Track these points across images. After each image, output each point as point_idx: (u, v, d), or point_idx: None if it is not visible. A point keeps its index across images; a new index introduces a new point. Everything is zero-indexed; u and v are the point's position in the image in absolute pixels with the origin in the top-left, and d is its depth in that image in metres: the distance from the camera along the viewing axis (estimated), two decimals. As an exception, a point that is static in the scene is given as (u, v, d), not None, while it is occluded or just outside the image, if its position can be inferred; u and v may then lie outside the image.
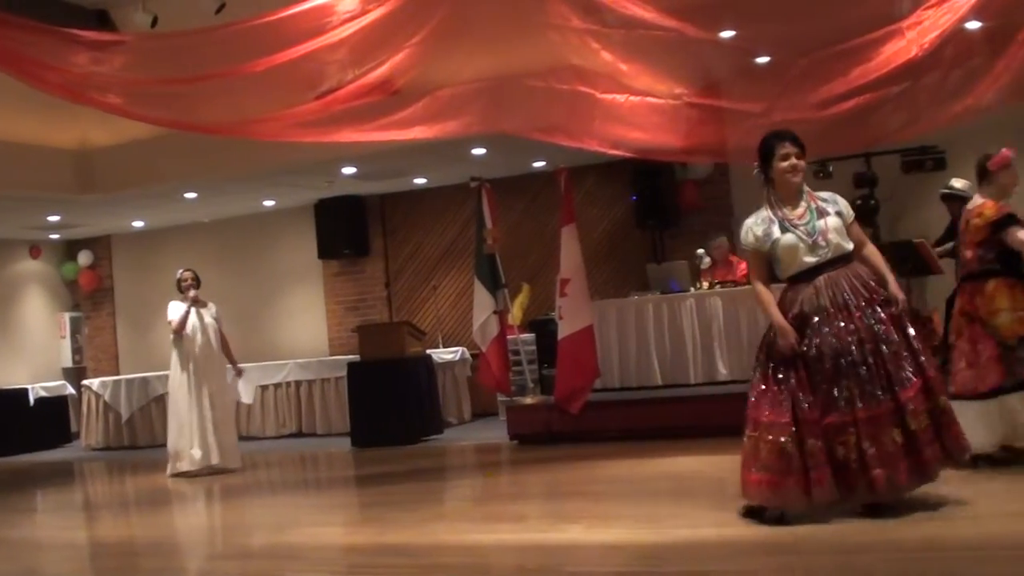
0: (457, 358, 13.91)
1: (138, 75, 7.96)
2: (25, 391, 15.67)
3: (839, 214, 5.78)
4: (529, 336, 13.10)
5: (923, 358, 5.56)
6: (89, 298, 18.03)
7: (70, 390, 16.40)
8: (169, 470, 10.70)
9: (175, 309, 10.78)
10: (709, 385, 10.54)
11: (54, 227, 16.41)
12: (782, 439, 5.47)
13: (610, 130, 8.87)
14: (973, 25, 7.51)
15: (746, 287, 10.67)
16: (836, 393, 5.46)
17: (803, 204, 5.80)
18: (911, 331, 5.61)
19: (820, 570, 4.91)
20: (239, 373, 11.44)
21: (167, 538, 7.78)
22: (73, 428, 16.23)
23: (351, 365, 12.55)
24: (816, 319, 5.59)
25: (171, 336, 10.82)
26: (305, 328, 16.23)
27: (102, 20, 10.62)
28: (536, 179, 14.14)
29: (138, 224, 16.83)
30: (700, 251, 11.66)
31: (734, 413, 9.28)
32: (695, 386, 10.61)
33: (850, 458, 5.38)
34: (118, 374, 16.34)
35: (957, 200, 9.76)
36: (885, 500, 5.45)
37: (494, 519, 7.18)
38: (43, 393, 15.95)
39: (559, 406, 10.52)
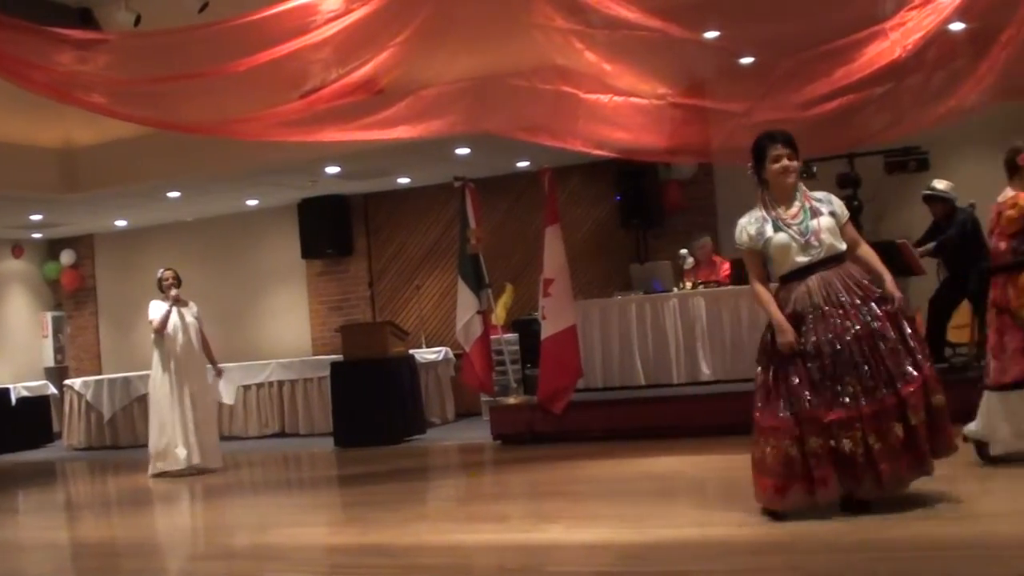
0: (440, 358, 13.90)
1: (121, 74, 7.94)
2: (7, 391, 15.55)
3: (833, 214, 5.78)
4: (512, 336, 13.08)
5: (920, 355, 5.57)
6: (71, 297, 17.93)
7: (52, 390, 16.31)
8: (151, 470, 10.65)
9: (156, 308, 10.74)
10: (692, 385, 10.58)
11: (37, 226, 16.35)
12: (785, 444, 5.51)
13: (594, 130, 8.88)
14: (957, 27, 7.54)
15: (729, 287, 10.75)
16: (839, 389, 5.48)
17: (797, 204, 5.80)
18: (908, 329, 5.62)
19: (811, 570, 4.87)
20: (219, 373, 11.38)
21: (149, 538, 7.75)
22: (55, 428, 16.14)
23: (334, 365, 12.52)
24: (810, 317, 5.61)
25: (152, 336, 10.79)
26: (288, 328, 16.18)
27: (85, 18, 10.58)
28: (520, 179, 14.13)
29: (121, 223, 16.76)
30: (683, 251, 11.69)
31: (717, 413, 9.46)
32: (678, 386, 10.64)
33: (856, 452, 5.40)
34: (100, 374, 16.26)
35: (939, 201, 9.84)
36: (889, 494, 5.49)
37: (476, 519, 7.17)
38: (25, 393, 15.84)
39: (542, 406, 10.50)
